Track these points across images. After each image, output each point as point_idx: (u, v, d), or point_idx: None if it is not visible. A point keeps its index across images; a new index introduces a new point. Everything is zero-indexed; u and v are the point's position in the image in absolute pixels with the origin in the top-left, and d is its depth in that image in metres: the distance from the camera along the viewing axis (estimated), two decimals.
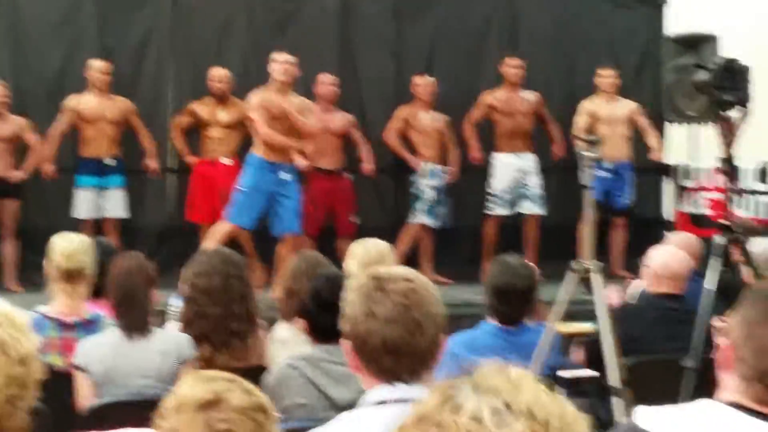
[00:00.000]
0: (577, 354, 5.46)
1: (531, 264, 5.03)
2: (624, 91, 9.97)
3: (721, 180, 6.08)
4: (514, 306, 4.73)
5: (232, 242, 8.59)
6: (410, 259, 9.52)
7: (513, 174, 9.78)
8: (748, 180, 9.34)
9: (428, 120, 9.80)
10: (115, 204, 9.33)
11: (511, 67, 9.84)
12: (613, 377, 4.68)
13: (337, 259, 6.29)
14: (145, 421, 2.34)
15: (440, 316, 2.60)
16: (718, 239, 5.26)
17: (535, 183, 9.81)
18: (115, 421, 2.80)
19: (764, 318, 2.28)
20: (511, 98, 9.85)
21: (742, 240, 5.47)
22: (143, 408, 2.38)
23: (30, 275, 8.39)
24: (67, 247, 4.76)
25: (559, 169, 9.87)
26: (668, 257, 5.38)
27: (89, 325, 4.71)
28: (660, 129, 9.82)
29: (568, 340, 5.70)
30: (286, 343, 4.72)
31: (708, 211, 9.78)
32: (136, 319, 4.44)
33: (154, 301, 4.69)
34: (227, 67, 9.59)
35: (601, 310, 4.70)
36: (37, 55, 9.71)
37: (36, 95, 9.62)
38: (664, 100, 6.20)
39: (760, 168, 9.38)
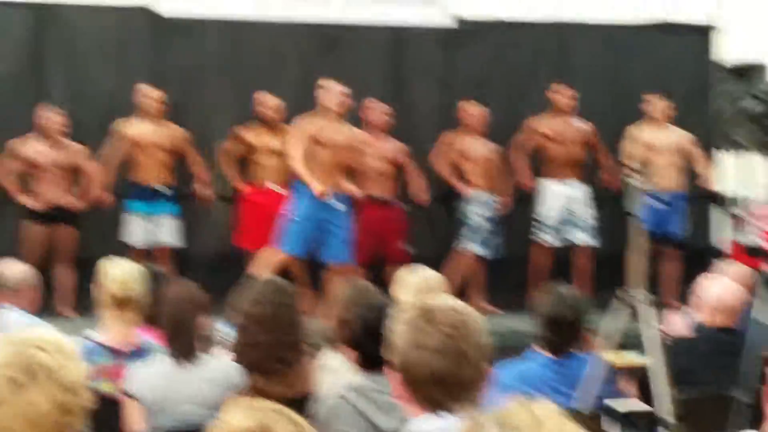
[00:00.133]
0: (628, 385, 5.41)
1: (582, 294, 5.00)
2: (673, 119, 9.93)
3: None
4: (564, 336, 4.70)
5: (283, 270, 8.64)
6: (458, 287, 9.52)
7: (561, 202, 9.75)
8: None
9: (480, 149, 9.80)
10: (168, 232, 9.39)
11: (563, 95, 9.83)
12: (665, 411, 4.63)
13: (387, 287, 6.29)
14: None
15: (487, 347, 2.60)
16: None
17: (586, 213, 9.77)
18: None
19: None
20: (561, 126, 9.84)
21: None
22: None
23: (83, 302, 8.47)
24: (118, 274, 4.79)
25: (610, 198, 9.83)
26: (723, 290, 5.32)
27: (140, 352, 4.74)
28: (709, 156, 9.77)
29: (617, 371, 5.65)
30: (333, 371, 4.71)
31: (760, 241, 9.68)
32: (185, 346, 4.46)
33: (205, 329, 4.71)
34: (277, 93, 9.66)
35: (651, 340, 4.66)
36: (91, 83, 9.82)
37: (90, 123, 9.72)
38: (713, 128, 6.15)
39: None
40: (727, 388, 4.86)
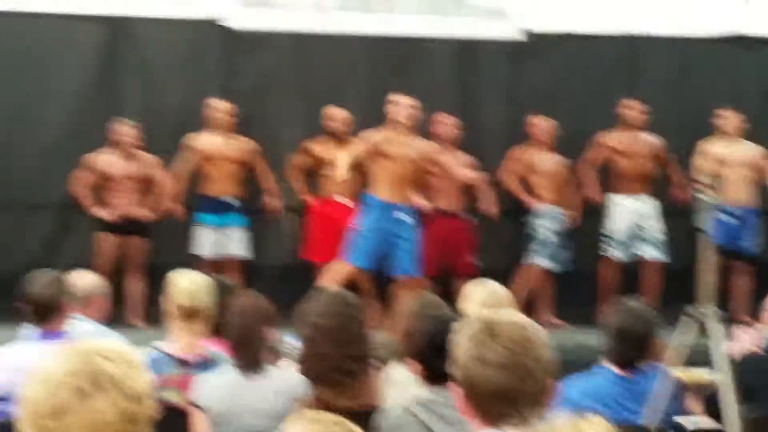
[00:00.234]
0: (696, 402, 5.35)
1: (651, 308, 4.95)
2: (745, 133, 9.81)
3: None
4: (633, 350, 4.64)
5: (350, 283, 8.66)
6: (526, 301, 9.49)
7: (630, 216, 9.68)
8: None
9: (549, 162, 9.77)
10: (237, 244, 9.46)
11: (633, 110, 9.75)
12: (734, 429, 4.56)
13: (455, 300, 6.29)
14: None
15: (551, 361, 2.58)
16: None
17: (655, 228, 9.68)
18: None
19: None
20: (632, 140, 9.77)
21: None
22: None
23: (153, 312, 8.55)
24: (186, 285, 4.83)
25: (680, 213, 9.72)
26: None
27: (207, 363, 4.77)
28: None
29: (685, 387, 5.59)
30: (399, 384, 4.72)
31: None
32: (252, 358, 4.48)
33: (271, 340, 4.74)
34: (345, 107, 9.69)
35: (720, 357, 4.60)
36: (163, 96, 9.94)
37: (161, 135, 9.84)
38: None
39: None
40: None
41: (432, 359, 3.90)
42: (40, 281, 4.82)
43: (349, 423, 2.38)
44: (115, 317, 8.92)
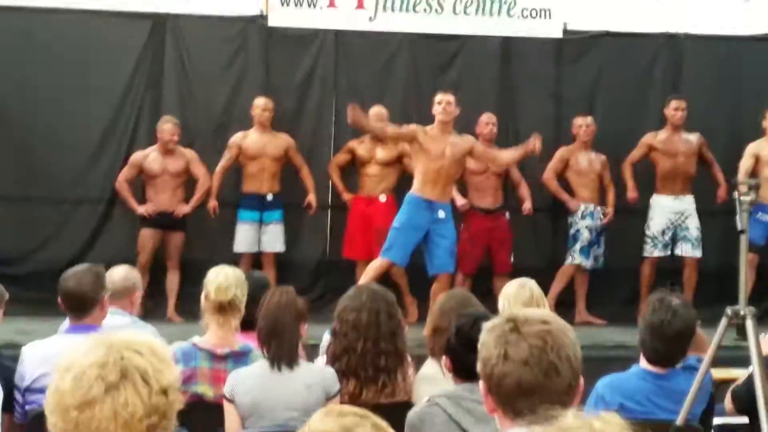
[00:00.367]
0: (731, 401, 5.31)
1: (689, 304, 4.91)
2: None
3: None
4: (668, 345, 4.60)
5: (387, 278, 8.68)
6: (564, 299, 9.48)
7: (671, 216, 9.64)
8: None
9: (586, 161, 9.75)
10: (273, 239, 9.51)
11: (675, 108, 9.70)
12: (766, 427, 4.53)
13: (493, 297, 6.30)
14: None
15: (577, 358, 2.58)
16: None
17: (694, 226, 9.63)
18: None
19: None
20: (672, 139, 9.71)
21: None
22: None
23: (190, 306, 8.61)
24: (220, 280, 4.85)
25: (722, 213, 9.65)
26: None
27: (240, 357, 4.80)
28: None
29: (722, 386, 5.56)
30: (432, 380, 4.72)
31: None
32: (283, 352, 4.50)
33: (304, 335, 4.76)
34: (388, 106, 9.70)
35: (756, 356, 4.57)
36: (204, 92, 10.02)
37: (202, 130, 9.93)
38: None
39: None
40: None
41: (461, 355, 3.90)
42: (76, 276, 4.86)
43: (375, 417, 2.39)
44: (154, 311, 9.09)
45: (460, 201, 9.40)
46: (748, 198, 4.80)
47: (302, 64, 10.10)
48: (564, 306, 9.54)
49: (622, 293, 9.88)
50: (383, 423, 2.30)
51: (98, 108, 9.83)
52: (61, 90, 9.73)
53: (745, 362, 5.02)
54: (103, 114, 9.86)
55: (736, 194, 4.82)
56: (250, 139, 9.54)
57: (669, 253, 9.67)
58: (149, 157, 9.43)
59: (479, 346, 2.62)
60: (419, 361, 5.06)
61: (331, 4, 10.03)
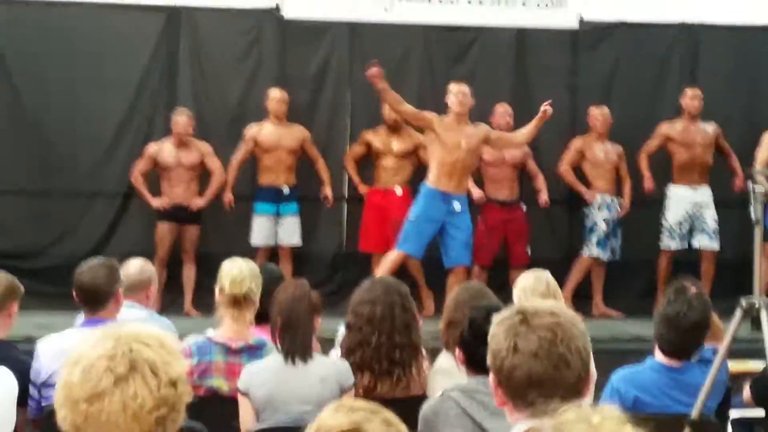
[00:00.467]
0: (747, 392, 5.29)
1: (705, 295, 4.89)
2: None
3: None
4: (684, 337, 4.58)
5: (403, 271, 8.68)
6: (581, 292, 9.46)
7: (688, 207, 9.60)
8: None
9: (602, 152, 9.72)
10: (289, 231, 9.51)
11: (690, 98, 9.66)
12: None
13: (510, 289, 6.27)
14: None
15: (587, 350, 2.57)
16: None
17: (711, 217, 9.59)
18: None
19: None
20: (689, 129, 9.67)
21: None
22: None
23: (207, 300, 8.61)
24: (234, 273, 4.86)
25: (739, 203, 9.60)
26: None
27: (254, 350, 4.81)
28: None
29: (738, 378, 5.54)
30: (447, 373, 4.72)
31: None
32: (297, 345, 4.50)
33: (318, 328, 4.76)
34: (403, 97, 9.65)
35: None
36: (219, 84, 10.02)
37: (217, 123, 9.93)
38: None
39: None
40: None
41: (475, 348, 3.89)
42: (90, 269, 4.88)
43: (387, 412, 2.39)
44: (171, 305, 9.11)
45: (476, 193, 9.39)
46: (762, 188, 4.77)
47: (317, 55, 10.09)
48: (581, 298, 9.53)
49: (639, 285, 9.84)
50: (394, 418, 2.30)
51: (114, 101, 9.84)
52: (76, 83, 9.75)
53: (763, 354, 4.99)
54: (118, 107, 9.87)
55: (749, 185, 4.79)
56: (265, 131, 9.54)
57: (686, 245, 9.64)
58: (164, 149, 9.44)
59: (489, 338, 2.61)
60: (436, 354, 5.04)
61: None
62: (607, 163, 9.72)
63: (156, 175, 9.53)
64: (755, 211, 4.84)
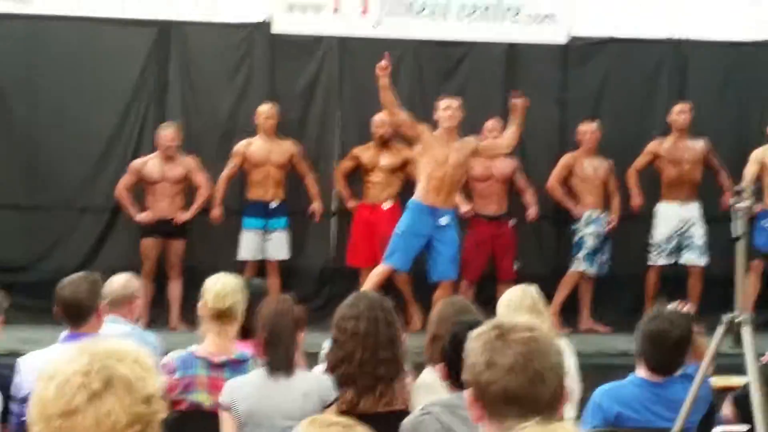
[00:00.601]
0: (729, 409, 5.29)
1: (688, 313, 4.91)
2: None
3: None
4: (666, 354, 4.62)
5: (391, 286, 8.68)
6: (569, 306, 9.47)
7: (676, 223, 9.62)
8: None
9: (591, 167, 9.74)
10: (277, 246, 9.52)
11: (678, 113, 9.69)
12: None
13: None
14: None
15: (562, 366, 2.57)
16: None
17: (699, 233, 9.60)
18: None
19: None
20: (677, 146, 9.69)
21: None
22: None
23: (195, 314, 8.58)
24: (218, 287, 4.85)
25: (728, 219, 9.57)
26: None
27: (237, 365, 4.80)
28: None
29: (722, 394, 5.54)
30: (430, 388, 4.71)
31: None
32: (282, 360, 4.50)
33: (301, 344, 4.76)
34: None
35: (751, 364, 4.55)
36: (209, 98, 10.04)
37: (207, 137, 9.95)
38: None
39: None
40: None
41: (456, 363, 3.88)
42: (72, 284, 4.87)
43: (362, 427, 2.39)
44: (158, 318, 9.11)
45: (464, 207, 9.41)
46: (743, 204, 4.78)
47: (307, 70, 10.12)
48: (569, 313, 9.55)
49: (627, 300, 9.85)
50: None
51: (104, 115, 9.86)
52: (66, 97, 9.77)
53: (742, 370, 5.00)
54: (108, 121, 9.89)
55: (731, 201, 4.81)
56: (254, 146, 9.55)
57: (674, 261, 9.66)
58: (149, 163, 9.44)
59: (465, 353, 2.62)
60: (422, 369, 5.04)
61: (336, 11, 10.04)
62: (596, 179, 9.74)
63: (142, 189, 9.52)
64: (737, 227, 4.85)
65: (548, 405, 2.53)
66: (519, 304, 5.35)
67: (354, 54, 10.15)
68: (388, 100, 8.45)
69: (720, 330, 4.76)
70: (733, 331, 4.77)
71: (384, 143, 9.60)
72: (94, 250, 9.81)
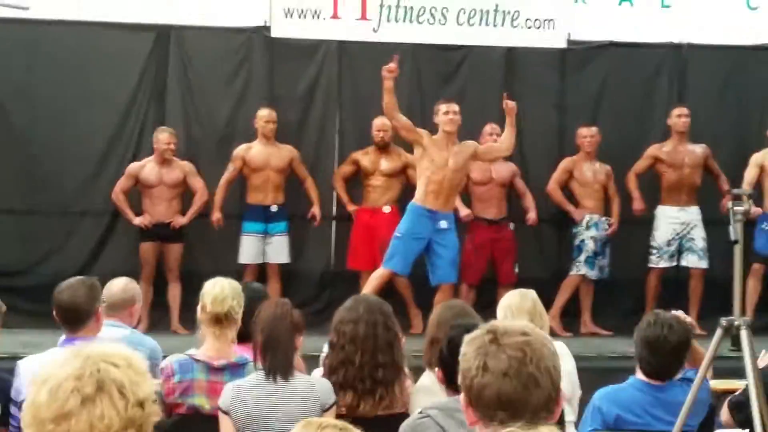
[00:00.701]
0: (727, 412, 5.28)
1: (685, 319, 4.91)
2: None
3: None
4: (664, 360, 4.62)
5: (391, 289, 8.68)
6: (569, 310, 9.46)
7: (676, 227, 9.62)
8: None
9: (590, 171, 9.75)
10: (277, 250, 9.52)
11: (677, 116, 9.69)
12: None
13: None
14: None
15: (556, 370, 2.55)
16: None
17: (699, 236, 9.60)
18: None
19: None
20: (677, 150, 9.70)
21: None
22: None
23: (195, 318, 8.57)
24: (216, 291, 4.85)
25: (728, 223, 9.55)
26: None
27: (237, 369, 4.80)
28: None
29: (722, 397, 5.53)
30: (429, 392, 4.70)
31: None
32: (280, 363, 4.50)
33: (299, 348, 4.75)
34: None
35: (750, 367, 4.55)
36: (207, 102, 10.03)
37: (206, 141, 9.96)
38: None
39: None
40: None
41: (453, 366, 3.87)
42: (69, 288, 4.87)
43: (356, 430, 2.39)
44: (159, 322, 9.11)
45: (463, 211, 9.40)
46: (741, 208, 4.79)
47: (306, 75, 10.11)
48: (569, 316, 9.56)
49: (628, 304, 9.84)
50: None
51: (102, 120, 9.86)
52: (65, 102, 9.77)
53: (741, 373, 5.00)
54: (107, 126, 9.88)
55: (729, 204, 4.82)
56: (254, 150, 9.55)
57: (674, 263, 9.66)
58: (146, 167, 9.45)
59: (460, 357, 2.61)
60: (421, 373, 5.03)
61: (335, 15, 10.05)
62: (596, 183, 9.74)
63: (139, 194, 9.52)
64: (734, 231, 4.85)
65: (543, 408, 2.52)
66: (519, 307, 5.34)
67: (353, 58, 10.15)
68: (390, 103, 8.43)
69: (718, 333, 4.76)
70: (732, 334, 4.77)
71: (383, 147, 9.61)
72: (94, 253, 9.80)
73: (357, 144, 9.86)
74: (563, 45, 10.31)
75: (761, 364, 5.20)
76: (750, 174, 9.43)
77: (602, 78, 10.36)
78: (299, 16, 10.00)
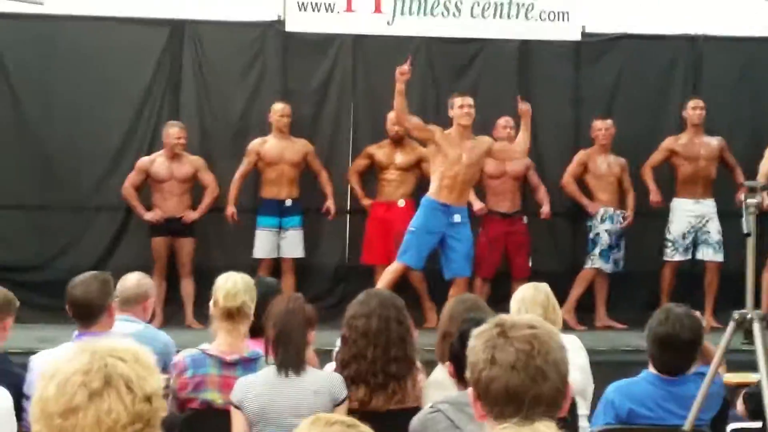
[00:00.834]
0: (741, 404, 5.28)
1: (696, 314, 4.89)
2: None
3: None
4: (676, 356, 4.61)
5: (405, 283, 8.68)
6: (584, 303, 9.44)
7: (691, 220, 9.59)
8: None
9: (605, 164, 9.71)
10: (292, 244, 9.51)
11: (692, 108, 9.65)
12: None
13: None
14: None
15: (564, 363, 2.55)
16: None
17: (715, 228, 9.57)
18: None
19: None
20: (693, 143, 9.66)
21: None
22: None
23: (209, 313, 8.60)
24: (228, 286, 4.86)
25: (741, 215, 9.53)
26: None
27: (249, 363, 4.81)
28: None
29: (737, 391, 5.52)
30: (441, 386, 4.70)
31: None
32: (292, 358, 4.50)
33: (312, 342, 4.76)
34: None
35: (763, 361, 4.53)
36: (222, 97, 10.03)
37: (220, 136, 9.96)
38: None
39: None
40: None
41: (464, 360, 3.87)
42: (82, 283, 4.89)
43: (364, 426, 2.39)
44: (173, 316, 9.13)
45: (477, 205, 9.39)
46: (754, 200, 4.77)
47: (320, 69, 10.10)
48: (584, 310, 9.54)
49: (643, 297, 9.79)
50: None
51: (117, 115, 9.87)
52: (79, 97, 9.77)
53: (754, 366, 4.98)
54: (122, 121, 9.90)
55: (742, 197, 4.80)
56: (268, 144, 9.55)
57: (690, 257, 9.63)
58: (156, 162, 9.45)
59: (468, 351, 2.61)
60: (434, 367, 5.02)
61: (349, 9, 10.02)
62: (610, 176, 9.71)
63: (150, 189, 9.53)
64: (747, 224, 4.83)
65: (551, 402, 2.52)
66: (532, 300, 5.33)
67: (367, 52, 10.15)
68: (400, 106, 8.44)
69: (731, 327, 4.75)
70: (744, 327, 4.75)
71: (398, 141, 9.60)
72: (109, 249, 9.82)
73: (371, 138, 9.85)
74: (578, 37, 10.27)
75: None
76: (764, 166, 9.37)
77: (617, 70, 10.32)
78: (313, 10, 9.98)
